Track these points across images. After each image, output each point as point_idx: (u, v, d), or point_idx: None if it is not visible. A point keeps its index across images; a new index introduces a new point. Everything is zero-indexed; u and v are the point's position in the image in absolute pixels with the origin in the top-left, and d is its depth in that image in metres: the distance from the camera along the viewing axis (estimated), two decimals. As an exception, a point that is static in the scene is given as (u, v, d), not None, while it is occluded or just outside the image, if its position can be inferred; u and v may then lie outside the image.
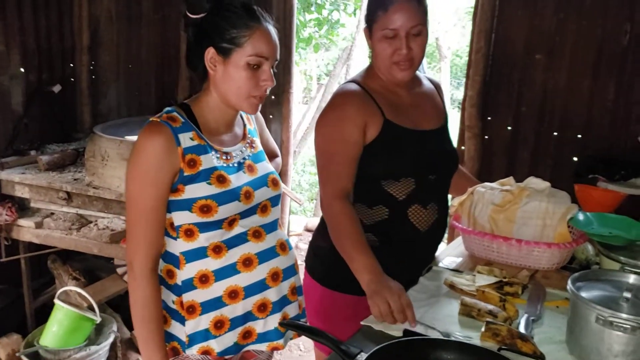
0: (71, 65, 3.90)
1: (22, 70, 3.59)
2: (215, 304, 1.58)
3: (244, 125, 1.72)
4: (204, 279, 1.57)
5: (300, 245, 5.50)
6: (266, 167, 1.71)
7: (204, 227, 1.54)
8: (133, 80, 3.91)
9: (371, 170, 1.75)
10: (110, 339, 3.07)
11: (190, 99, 1.62)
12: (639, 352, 1.23)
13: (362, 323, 1.51)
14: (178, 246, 1.57)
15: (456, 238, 2.13)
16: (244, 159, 1.64)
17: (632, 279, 1.40)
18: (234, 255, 1.58)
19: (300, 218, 6.22)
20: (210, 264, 1.57)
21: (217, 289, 1.58)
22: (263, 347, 1.67)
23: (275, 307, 1.66)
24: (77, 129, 3.92)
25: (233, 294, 1.59)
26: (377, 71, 1.79)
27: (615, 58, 2.65)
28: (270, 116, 3.50)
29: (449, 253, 2.01)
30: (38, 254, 3.32)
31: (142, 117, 3.25)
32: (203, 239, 1.55)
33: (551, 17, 2.73)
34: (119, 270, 3.30)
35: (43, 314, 3.32)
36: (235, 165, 1.61)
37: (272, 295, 1.65)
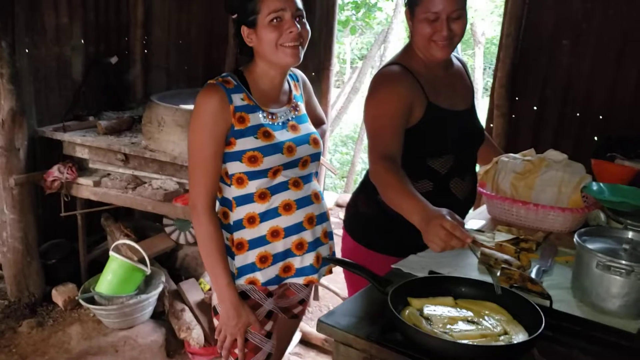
0: (126, 39, 4.07)
1: (82, 42, 3.78)
2: (260, 241, 1.80)
3: (290, 92, 1.89)
4: (251, 220, 1.79)
5: (332, 220, 5.71)
6: (308, 127, 1.89)
7: (252, 175, 1.75)
8: (182, 55, 4.06)
9: (417, 148, 1.88)
10: (159, 289, 3.31)
11: (244, 66, 1.81)
12: (632, 294, 1.40)
13: (392, 266, 1.71)
14: (231, 192, 1.79)
15: (481, 205, 2.31)
16: (288, 119, 1.83)
17: (631, 234, 1.57)
18: (276, 201, 1.79)
19: (331, 194, 6.43)
20: (257, 207, 1.78)
21: (262, 228, 1.79)
22: (300, 280, 1.88)
23: (310, 247, 1.87)
24: (130, 99, 4.11)
25: (275, 233, 1.80)
26: (417, 50, 1.89)
27: (638, 46, 2.76)
28: (310, 91, 3.68)
29: (473, 216, 2.18)
30: (93, 210, 3.53)
31: (193, 89, 3.40)
32: (252, 186, 1.76)
33: (579, 5, 2.85)
34: (167, 230, 3.53)
35: (94, 267, 3.58)
36: (280, 124, 1.80)
37: (308, 236, 1.86)
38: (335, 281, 3.76)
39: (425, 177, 1.94)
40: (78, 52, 3.78)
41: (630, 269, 1.40)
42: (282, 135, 1.78)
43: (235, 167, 1.75)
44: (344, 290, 3.92)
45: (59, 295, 3.46)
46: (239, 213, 1.80)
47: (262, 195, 1.78)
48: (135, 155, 3.23)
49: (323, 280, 3.57)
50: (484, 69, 10.03)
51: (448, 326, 1.31)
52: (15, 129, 3.22)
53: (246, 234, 1.80)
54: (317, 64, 3.60)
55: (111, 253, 3.25)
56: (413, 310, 1.37)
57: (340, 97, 8.18)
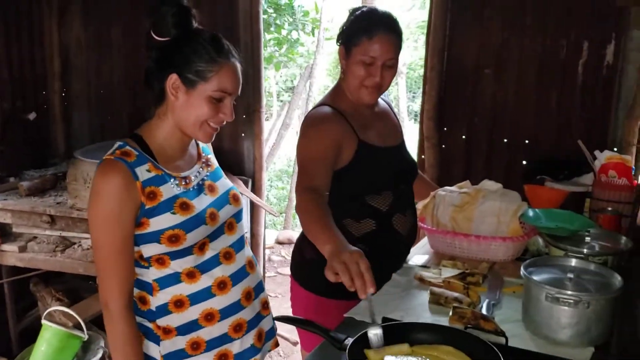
0: (44, 92, 3.96)
1: None
2: (191, 326, 1.57)
3: (197, 145, 1.70)
4: (179, 304, 1.55)
5: (273, 258, 5.65)
6: (225, 183, 1.70)
7: (175, 255, 1.53)
8: (105, 105, 3.98)
9: (355, 187, 1.90)
10: (99, 356, 3.13)
11: (140, 128, 1.57)
12: (582, 323, 1.42)
13: (345, 315, 1.67)
14: (150, 274, 1.55)
15: (422, 238, 2.32)
16: (203, 180, 1.62)
17: (574, 262, 1.61)
18: (208, 279, 1.57)
19: (270, 231, 6.37)
20: (185, 288, 1.55)
21: (193, 312, 1.56)
22: None
23: (250, 325, 1.67)
24: (52, 155, 3.97)
25: (209, 317, 1.58)
26: (346, 89, 1.92)
27: (554, 69, 2.90)
28: (242, 134, 3.64)
29: (416, 252, 2.18)
30: (21, 277, 3.35)
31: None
32: (176, 265, 1.54)
33: (497, 35, 2.97)
34: (102, 289, 3.37)
35: (27, 337, 3.35)
36: (196, 187, 1.59)
37: (246, 314, 1.66)
38: (283, 324, 3.69)
39: (367, 216, 1.93)
40: (-7, 110, 3.62)
41: (578, 299, 1.42)
42: (200, 203, 1.57)
43: (152, 249, 1.51)
44: (291, 333, 3.87)
45: (-12, 372, 3.22)
46: (162, 297, 1.55)
47: (191, 275, 1.55)
48: (62, 216, 3.11)
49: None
50: (407, 96, 10.32)
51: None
52: None
53: (174, 320, 1.56)
54: (247, 106, 3.58)
55: (43, 321, 3.05)
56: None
57: (271, 133, 8.20)
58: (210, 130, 1.54)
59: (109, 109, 3.99)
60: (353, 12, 1.89)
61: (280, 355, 3.80)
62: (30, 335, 3.22)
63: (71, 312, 3.06)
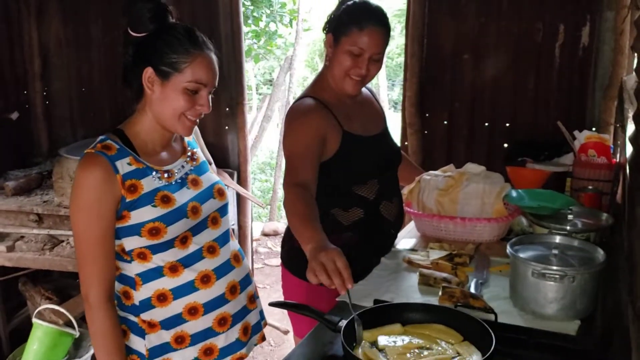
0: (25, 92, 3.92)
1: None
2: (175, 320, 1.58)
3: (182, 139, 1.69)
4: (162, 298, 1.56)
5: (260, 249, 5.68)
6: (210, 177, 1.69)
7: (156, 248, 1.53)
8: (87, 103, 3.95)
9: (341, 178, 1.92)
10: (91, 352, 3.13)
11: (123, 124, 1.57)
12: (568, 297, 1.47)
13: (337, 299, 1.69)
14: (133, 268, 1.55)
15: (409, 223, 2.36)
16: (187, 174, 1.62)
17: (558, 239, 1.66)
18: (191, 273, 1.57)
19: (256, 223, 6.39)
20: (167, 282, 1.55)
21: (176, 306, 1.57)
22: None
23: (235, 320, 1.67)
24: (36, 154, 3.94)
25: (193, 311, 1.58)
26: (330, 78, 1.93)
27: (531, 53, 2.95)
28: (226, 127, 3.65)
29: (403, 236, 2.22)
30: (9, 277, 3.33)
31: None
32: (158, 260, 1.54)
33: (474, 21, 3.02)
34: (91, 286, 3.37)
35: (17, 337, 3.35)
36: (179, 181, 1.59)
37: (231, 308, 1.65)
38: (273, 313, 3.73)
39: (355, 205, 1.96)
40: (-26, 111, 3.58)
41: (564, 274, 1.47)
42: (182, 196, 1.57)
43: (133, 243, 1.52)
44: (282, 322, 3.90)
45: (-21, 373, 3.21)
46: (145, 291, 1.56)
47: (173, 269, 1.56)
48: (49, 214, 3.10)
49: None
50: (389, 84, 10.36)
51: (405, 355, 1.32)
52: None
53: (157, 314, 1.57)
54: (230, 99, 3.59)
55: (34, 320, 3.05)
56: (366, 344, 1.37)
57: (253, 125, 8.19)
58: (189, 123, 1.54)
59: (91, 106, 3.96)
60: (344, 1, 1.89)
61: (272, 345, 3.83)
62: (20, 335, 3.23)
63: (61, 310, 3.06)
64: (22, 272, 3.32)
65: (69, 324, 3.07)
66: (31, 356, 3.01)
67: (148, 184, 1.52)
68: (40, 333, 3.01)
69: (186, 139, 1.71)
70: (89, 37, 3.85)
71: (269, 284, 4.85)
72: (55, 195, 3.15)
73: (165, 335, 1.58)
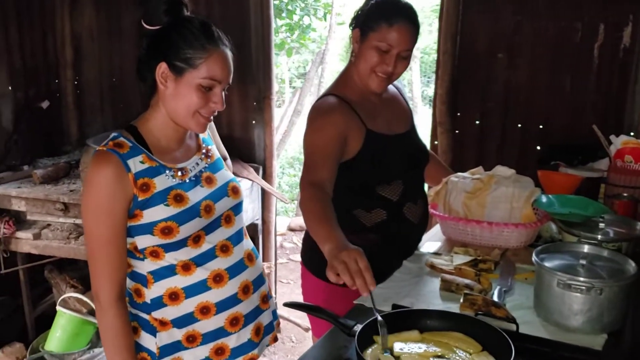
0: (56, 81, 3.96)
1: (10, 88, 3.65)
2: (187, 319, 1.57)
3: (197, 135, 1.66)
4: (174, 296, 1.55)
5: (285, 245, 5.67)
6: (225, 175, 1.67)
7: (169, 247, 1.51)
8: (117, 94, 3.98)
9: (364, 178, 1.89)
10: (112, 341, 3.19)
11: (136, 120, 1.55)
12: (594, 309, 1.41)
13: (354, 302, 1.66)
14: (145, 266, 1.54)
15: (434, 225, 2.30)
16: (201, 171, 1.60)
17: (586, 248, 1.59)
18: (203, 272, 1.56)
19: (282, 218, 6.38)
20: (179, 281, 1.54)
21: (188, 305, 1.55)
22: None
23: (247, 320, 1.65)
24: (65, 142, 3.99)
25: (205, 310, 1.57)
26: (355, 74, 1.89)
27: (569, 53, 2.86)
28: (253, 122, 3.63)
29: (428, 239, 2.16)
30: (36, 264, 3.39)
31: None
32: (170, 258, 1.53)
33: (509, 19, 2.93)
34: (115, 276, 3.40)
35: (42, 323, 3.41)
36: (193, 179, 1.56)
37: (243, 308, 1.64)
38: (294, 310, 3.71)
39: (378, 206, 1.92)
40: (6, 99, 3.65)
41: (591, 286, 1.41)
42: (196, 195, 1.54)
43: (146, 241, 1.50)
44: (304, 319, 3.88)
45: (6, 357, 3.27)
46: (157, 289, 1.54)
47: (186, 267, 1.54)
48: (76, 204, 3.11)
49: (282, 311, 3.52)
50: (421, 80, 10.24)
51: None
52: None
53: (169, 313, 1.55)
54: (258, 93, 3.57)
55: (58, 308, 3.10)
56: (377, 351, 1.33)
57: (283, 120, 8.18)
58: (203, 120, 1.51)
59: (121, 97, 3.99)
60: None
61: (293, 341, 3.82)
62: (46, 321, 3.28)
63: (85, 299, 3.11)
64: (49, 259, 3.37)
65: (92, 312, 3.11)
66: (54, 343, 3.06)
67: (161, 182, 1.50)
68: (64, 321, 3.06)
69: (201, 135, 1.68)
70: (121, 27, 3.87)
71: (293, 280, 4.83)
72: (81, 184, 3.17)
73: (177, 334, 1.57)
